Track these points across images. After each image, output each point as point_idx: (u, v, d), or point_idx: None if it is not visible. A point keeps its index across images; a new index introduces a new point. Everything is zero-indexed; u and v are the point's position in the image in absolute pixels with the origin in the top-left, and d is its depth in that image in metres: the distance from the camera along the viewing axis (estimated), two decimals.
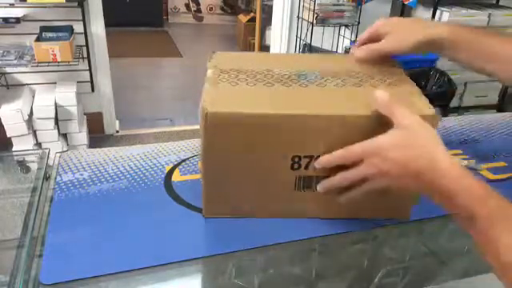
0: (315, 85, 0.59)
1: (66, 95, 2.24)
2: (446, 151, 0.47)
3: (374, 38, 0.65)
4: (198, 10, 5.70)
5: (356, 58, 0.66)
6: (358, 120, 0.52)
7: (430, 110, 0.54)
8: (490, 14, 2.67)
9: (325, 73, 0.62)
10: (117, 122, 2.75)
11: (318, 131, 0.53)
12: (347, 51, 2.54)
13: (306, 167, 0.55)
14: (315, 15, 2.58)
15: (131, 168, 0.73)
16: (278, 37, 2.90)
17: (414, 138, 0.49)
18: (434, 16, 2.59)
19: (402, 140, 0.49)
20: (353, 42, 2.56)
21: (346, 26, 2.69)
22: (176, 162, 0.75)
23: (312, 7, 2.57)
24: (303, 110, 0.53)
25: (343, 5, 2.68)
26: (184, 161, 0.76)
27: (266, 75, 0.60)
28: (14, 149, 2.10)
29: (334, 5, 2.66)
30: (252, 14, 4.52)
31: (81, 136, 2.34)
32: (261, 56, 0.72)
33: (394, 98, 0.51)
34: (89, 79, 2.37)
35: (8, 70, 2.26)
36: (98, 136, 2.59)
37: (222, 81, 0.58)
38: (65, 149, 2.26)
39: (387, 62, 0.66)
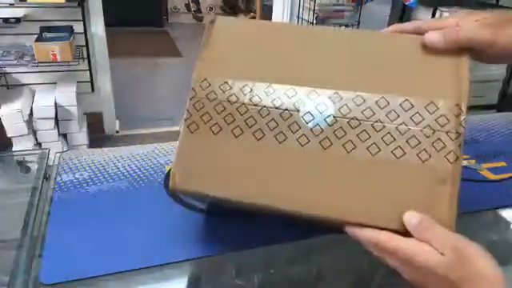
0: (318, 142, 0.44)
1: (66, 95, 2.24)
2: None
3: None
4: (198, 10, 5.70)
5: (428, 42, 0.47)
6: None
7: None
8: None
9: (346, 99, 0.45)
10: (117, 121, 2.75)
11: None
12: None
13: None
14: (315, 15, 2.58)
15: (131, 168, 0.73)
16: None
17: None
18: (433, 16, 2.59)
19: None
20: None
21: (346, 26, 2.69)
22: None
23: (312, 7, 2.57)
24: (290, 202, 0.43)
25: (343, 5, 2.68)
26: None
27: (260, 111, 0.47)
28: (13, 149, 2.10)
29: (334, 5, 2.66)
30: (252, 14, 4.53)
31: (81, 136, 2.34)
32: (269, 42, 0.52)
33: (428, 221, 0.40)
34: (89, 79, 2.37)
35: (8, 70, 2.26)
36: (98, 136, 2.59)
37: (203, 123, 0.48)
38: (65, 149, 2.26)
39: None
